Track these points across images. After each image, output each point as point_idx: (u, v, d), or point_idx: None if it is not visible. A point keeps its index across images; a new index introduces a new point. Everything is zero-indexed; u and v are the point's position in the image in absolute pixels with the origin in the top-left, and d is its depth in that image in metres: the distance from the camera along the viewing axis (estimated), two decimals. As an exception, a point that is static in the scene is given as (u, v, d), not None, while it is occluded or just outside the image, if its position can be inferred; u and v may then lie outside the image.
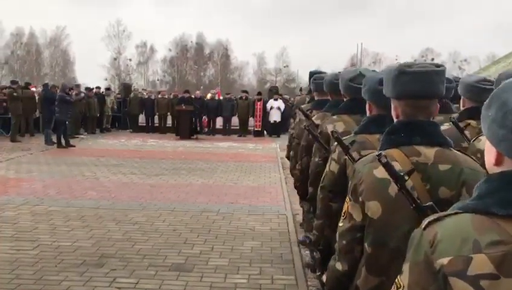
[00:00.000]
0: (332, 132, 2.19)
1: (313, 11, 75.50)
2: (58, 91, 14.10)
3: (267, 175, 9.89)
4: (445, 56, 56.57)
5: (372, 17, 74.66)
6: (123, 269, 4.54)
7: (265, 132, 19.08)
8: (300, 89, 26.50)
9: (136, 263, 4.70)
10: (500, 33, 66.06)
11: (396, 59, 54.44)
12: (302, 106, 5.14)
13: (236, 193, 7.99)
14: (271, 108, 18.75)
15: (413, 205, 1.45)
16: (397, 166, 1.66)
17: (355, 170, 1.77)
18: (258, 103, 18.85)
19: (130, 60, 59.16)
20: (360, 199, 1.70)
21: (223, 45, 60.69)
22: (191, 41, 60.77)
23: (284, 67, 61.21)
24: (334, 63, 54.35)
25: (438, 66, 1.79)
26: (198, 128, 18.32)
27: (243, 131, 18.95)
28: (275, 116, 18.75)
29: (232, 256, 4.97)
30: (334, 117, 3.07)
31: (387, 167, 1.49)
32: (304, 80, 59.00)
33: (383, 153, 1.51)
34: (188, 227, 5.93)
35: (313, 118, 3.61)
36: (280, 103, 18.90)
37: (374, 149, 2.31)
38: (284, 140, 17.38)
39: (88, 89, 18.56)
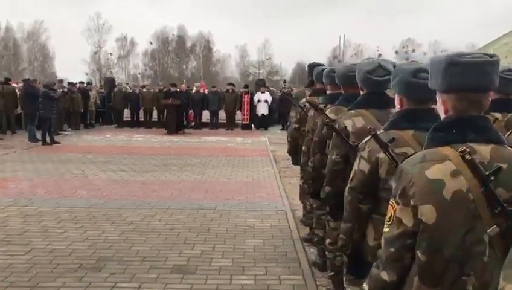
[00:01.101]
0: (370, 128, 2.01)
1: (295, 3, 75.27)
2: (41, 87, 13.71)
3: (260, 170, 9.73)
4: (426, 46, 56.96)
5: (353, 9, 74.83)
6: (123, 272, 4.34)
7: (252, 125, 18.89)
8: (284, 81, 26.38)
9: (136, 265, 4.50)
10: (480, 23, 66.85)
11: (377, 50, 54.69)
12: (303, 100, 4.99)
13: (231, 189, 7.82)
14: (258, 101, 18.57)
15: (498, 209, 1.31)
16: (451, 166, 1.52)
17: (403, 171, 1.61)
18: (245, 96, 18.65)
19: (111, 53, 58.30)
20: (412, 203, 1.55)
21: (205, 37, 60.19)
22: (173, 34, 60.12)
23: (267, 59, 60.96)
24: (316, 55, 54.25)
25: (491, 56, 1.64)
26: (185, 123, 18.06)
27: (231, 124, 18.74)
28: (263, 109, 18.58)
29: (235, 256, 4.81)
30: (352, 112, 2.91)
31: (473, 165, 1.35)
32: (287, 71, 59.09)
33: (466, 148, 1.36)
34: (185, 226, 5.74)
35: (327, 112, 3.44)
36: (267, 96, 18.73)
37: (408, 146, 2.16)
38: (272, 133, 17.30)
39: (71, 84, 18.12)
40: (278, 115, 19.89)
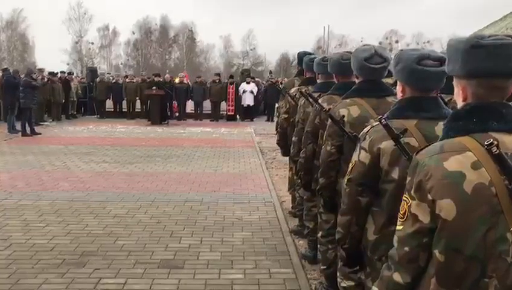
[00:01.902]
0: (381, 118, 1.89)
1: (279, -7, 74.75)
2: (22, 76, 13.36)
3: (247, 161, 9.60)
4: (409, 38, 57.22)
5: (338, 0, 74.67)
6: (107, 267, 4.19)
7: (237, 116, 18.73)
8: (270, 72, 26.23)
9: (121, 260, 4.35)
10: (462, 15, 67.35)
11: (361, 41, 54.77)
12: (293, 89, 4.87)
13: (218, 181, 7.68)
14: (244, 92, 18.39)
15: None
16: (472, 157, 1.41)
17: (419, 164, 1.50)
18: (231, 87, 18.45)
19: (92, 43, 57.36)
20: (429, 197, 1.43)
21: (188, 27, 59.56)
22: (155, 24, 59.38)
23: (251, 50, 60.67)
24: (300, 46, 53.99)
25: None
26: (169, 113, 17.82)
27: (216, 116, 18.55)
28: (248, 100, 18.41)
29: (224, 249, 4.69)
30: (347, 100, 2.80)
31: (500, 159, 1.23)
32: (271, 62, 58.87)
33: (494, 140, 1.24)
34: (172, 219, 5.60)
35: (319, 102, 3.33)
36: (253, 86, 18.56)
37: (411, 137, 2.05)
38: (257, 124, 17.18)
39: (52, 74, 17.71)
40: (263, 105, 19.78)
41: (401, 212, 1.56)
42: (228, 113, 18.64)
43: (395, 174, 2.06)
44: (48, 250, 4.56)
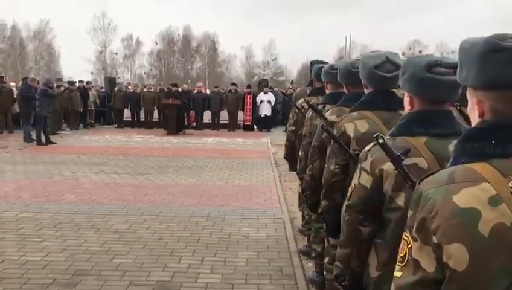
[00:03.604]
0: (378, 136, 1.57)
1: (301, 3, 74.78)
2: (40, 85, 13.36)
3: (260, 173, 9.29)
4: (433, 48, 56.19)
5: (360, 9, 74.26)
6: (99, 289, 3.91)
7: (255, 126, 18.45)
8: (292, 82, 25.96)
9: (115, 281, 4.07)
10: (486, 25, 66.10)
11: (384, 51, 54.04)
12: (301, 100, 4.56)
13: (228, 194, 7.38)
14: (261, 101, 18.13)
15: None
16: (489, 190, 1.08)
17: (422, 195, 1.17)
18: (248, 96, 18.22)
19: (116, 53, 58.15)
20: (434, 240, 1.10)
21: (210, 37, 59.87)
22: (178, 34, 59.92)
23: (272, 60, 60.58)
24: (322, 56, 53.69)
25: None
26: (186, 123, 17.66)
27: (232, 125, 18.31)
28: (265, 110, 18.13)
29: (225, 270, 4.37)
30: (354, 114, 2.47)
31: None
32: (292, 72, 58.65)
33: None
34: (174, 235, 5.31)
35: (327, 114, 3.01)
36: (270, 96, 18.29)
37: (419, 157, 1.72)
38: (275, 134, 16.84)
39: (70, 83, 17.76)
40: (281, 116, 19.46)
41: (401, 255, 1.24)
42: (245, 123, 18.39)
43: (401, 200, 1.73)
44: (40, 268, 4.31)
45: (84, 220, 5.83)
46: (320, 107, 3.31)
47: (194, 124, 18.59)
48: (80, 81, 18.92)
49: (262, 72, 58.49)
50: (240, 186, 8.00)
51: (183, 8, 75.91)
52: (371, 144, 1.86)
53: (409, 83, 1.79)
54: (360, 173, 1.83)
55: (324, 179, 2.56)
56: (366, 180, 1.80)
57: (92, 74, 53.71)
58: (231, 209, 6.46)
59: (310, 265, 4.54)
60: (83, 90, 17.98)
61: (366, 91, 2.57)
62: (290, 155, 4.73)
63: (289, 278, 4.23)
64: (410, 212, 1.24)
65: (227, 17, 74.24)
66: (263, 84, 19.41)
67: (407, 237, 1.22)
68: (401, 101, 2.50)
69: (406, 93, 1.87)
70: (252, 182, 8.43)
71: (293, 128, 4.54)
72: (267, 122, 18.26)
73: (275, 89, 21.13)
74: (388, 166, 1.74)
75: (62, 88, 16.08)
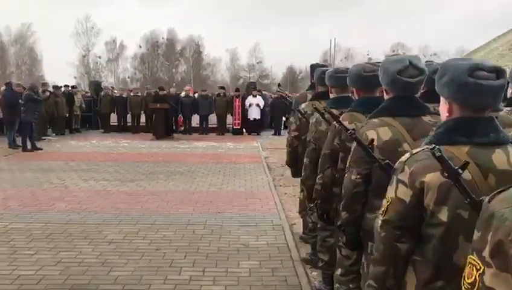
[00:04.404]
0: (434, 147, 1.44)
1: (285, 7, 74.91)
2: (24, 90, 13.03)
3: (253, 178, 9.14)
4: (416, 50, 56.67)
5: (344, 13, 74.69)
6: (98, 305, 3.74)
7: (244, 130, 18.30)
8: (279, 85, 25.86)
9: (114, 295, 3.90)
10: (469, 28, 67.00)
11: (367, 54, 54.45)
12: (303, 105, 4.44)
13: (223, 201, 7.23)
14: (250, 105, 17.98)
15: None
16: None
17: (495, 216, 1.05)
18: (237, 100, 18.06)
19: (100, 57, 57.60)
20: None
21: (195, 40, 59.58)
22: (162, 38, 59.52)
23: (258, 63, 60.53)
24: (307, 59, 53.91)
25: None
26: (174, 127, 17.44)
27: (221, 129, 18.13)
28: (254, 114, 17.99)
29: (228, 282, 4.22)
30: (376, 121, 2.34)
31: None
32: (277, 75, 58.61)
33: None
34: (172, 245, 5.14)
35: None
36: (259, 100, 18.16)
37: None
38: (264, 138, 16.71)
39: (56, 88, 17.42)
40: (270, 119, 19.37)
41: (468, 281, 1.11)
42: (234, 127, 18.23)
43: (444, 215, 1.61)
44: (34, 283, 4.11)
45: (77, 230, 5.63)
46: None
47: (182, 128, 18.38)
48: (65, 86, 18.58)
49: (248, 75, 58.40)
50: (235, 192, 7.84)
51: (168, 11, 75.51)
52: (408, 154, 1.75)
53: (449, 88, 1.67)
54: (397, 186, 1.71)
55: (345, 190, 2.43)
56: (404, 193, 1.68)
57: (75, 78, 53.07)
58: (228, 217, 6.31)
59: (314, 274, 4.41)
60: (69, 95, 17.65)
61: (386, 97, 2.46)
62: (293, 161, 4.60)
63: (295, 289, 4.10)
64: (477, 234, 1.12)
65: (212, 20, 74.04)
66: (252, 88, 19.27)
67: (475, 261, 1.09)
68: (424, 106, 2.40)
69: (442, 99, 1.76)
70: (246, 187, 8.28)
71: (296, 133, 4.41)
72: (256, 126, 18.13)
73: (264, 92, 21.00)
74: (430, 178, 1.62)
75: (47, 93, 15.75)
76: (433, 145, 1.44)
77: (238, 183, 8.64)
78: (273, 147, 13.92)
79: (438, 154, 1.41)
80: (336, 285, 3.18)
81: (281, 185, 8.61)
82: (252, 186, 8.35)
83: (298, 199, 5.53)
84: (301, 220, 5.57)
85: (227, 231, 5.69)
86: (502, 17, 56.85)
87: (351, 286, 3.05)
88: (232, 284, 4.17)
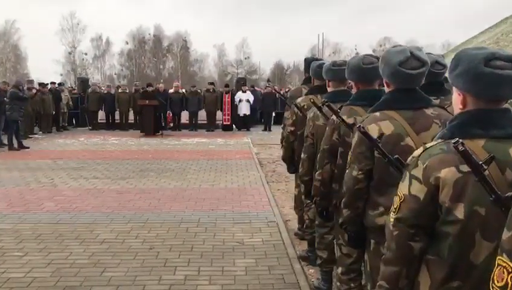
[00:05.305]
0: (457, 141, 1.35)
1: (273, 2, 74.79)
2: (9, 88, 12.79)
3: (245, 174, 9.05)
4: (402, 44, 57.02)
5: (331, 8, 74.74)
6: (92, 307, 3.64)
7: (234, 125, 18.19)
8: (268, 80, 25.79)
9: (108, 297, 3.80)
10: (455, 22, 67.47)
11: (355, 48, 54.61)
12: (299, 99, 4.35)
13: (216, 197, 7.13)
14: (240, 101, 17.88)
15: None
16: None
17: None
18: (226, 96, 17.94)
19: (86, 54, 56.98)
20: None
21: (182, 36, 59.20)
22: (149, 34, 59.08)
23: (246, 58, 60.37)
24: (294, 54, 53.97)
25: None
26: (163, 124, 17.28)
27: (211, 125, 18.00)
28: (244, 109, 17.89)
29: (224, 281, 4.13)
30: (377, 114, 2.27)
31: None
32: (265, 71, 58.55)
33: None
34: (166, 244, 5.04)
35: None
36: (249, 95, 18.06)
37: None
38: (254, 134, 16.62)
39: (42, 85, 17.14)
40: (259, 114, 19.29)
41: (499, 284, 1.04)
42: (224, 123, 18.11)
43: (460, 212, 1.54)
44: (25, 286, 3.99)
45: (68, 230, 5.50)
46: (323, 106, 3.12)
47: (171, 124, 18.22)
48: (52, 83, 18.29)
49: (236, 71, 58.21)
50: (227, 189, 7.75)
51: (154, 7, 74.89)
52: (421, 149, 1.67)
53: (464, 79, 1.59)
54: (411, 182, 1.63)
55: (346, 186, 2.35)
56: (418, 190, 1.60)
57: (61, 75, 52.50)
58: (222, 214, 6.22)
59: (311, 272, 4.35)
60: (55, 92, 17.39)
61: (386, 89, 2.39)
62: (289, 157, 4.52)
63: (292, 287, 4.02)
64: (507, 233, 1.05)
65: (199, 16, 73.69)
66: (241, 83, 19.16)
67: (506, 263, 1.02)
68: (426, 98, 2.33)
69: (455, 90, 1.68)
70: (239, 184, 8.19)
71: (292, 128, 4.32)
72: (246, 122, 18.03)
73: (254, 87, 20.90)
74: (445, 173, 1.55)
75: (34, 90, 15.49)
76: (456, 139, 1.36)
77: (231, 179, 8.55)
78: (263, 142, 13.86)
79: (461, 148, 1.33)
80: (337, 284, 3.12)
81: (273, 181, 8.54)
82: (245, 183, 8.27)
83: (293, 195, 5.46)
84: (296, 216, 5.51)
85: (221, 228, 5.60)
86: (484, 10, 57.25)
87: (352, 285, 2.99)
88: (229, 283, 4.09)
